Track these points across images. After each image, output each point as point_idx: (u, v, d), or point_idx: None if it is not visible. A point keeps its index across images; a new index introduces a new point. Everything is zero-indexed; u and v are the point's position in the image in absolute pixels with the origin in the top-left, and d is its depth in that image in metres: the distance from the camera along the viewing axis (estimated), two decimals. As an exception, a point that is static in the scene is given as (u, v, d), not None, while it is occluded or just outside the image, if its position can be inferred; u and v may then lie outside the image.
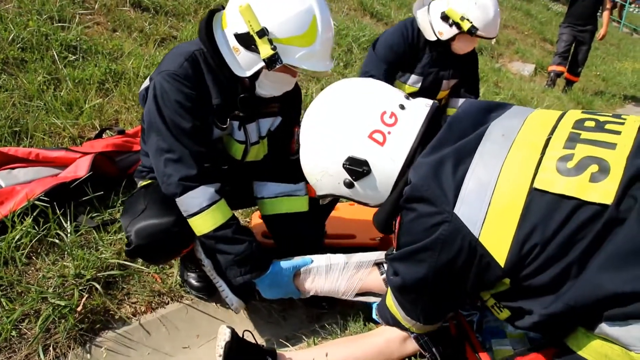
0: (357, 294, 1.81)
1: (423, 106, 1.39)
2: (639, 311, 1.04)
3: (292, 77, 1.75)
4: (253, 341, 1.72)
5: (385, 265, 1.77)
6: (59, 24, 3.38)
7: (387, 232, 1.43)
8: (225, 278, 1.79)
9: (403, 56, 3.01)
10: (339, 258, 1.81)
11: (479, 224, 1.16)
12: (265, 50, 1.55)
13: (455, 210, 1.18)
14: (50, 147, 2.45)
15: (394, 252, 1.39)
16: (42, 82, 2.86)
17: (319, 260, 1.82)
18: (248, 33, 1.56)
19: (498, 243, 1.16)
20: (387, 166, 1.34)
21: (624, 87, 9.28)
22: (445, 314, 1.54)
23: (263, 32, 1.55)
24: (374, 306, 1.77)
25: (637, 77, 10.17)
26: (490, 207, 1.16)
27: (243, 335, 1.68)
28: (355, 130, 1.35)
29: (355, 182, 1.38)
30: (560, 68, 7.35)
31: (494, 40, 3.12)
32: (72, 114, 2.75)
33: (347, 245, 2.33)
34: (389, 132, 1.34)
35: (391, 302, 1.53)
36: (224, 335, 1.58)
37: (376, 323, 1.81)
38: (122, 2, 4.01)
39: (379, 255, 1.82)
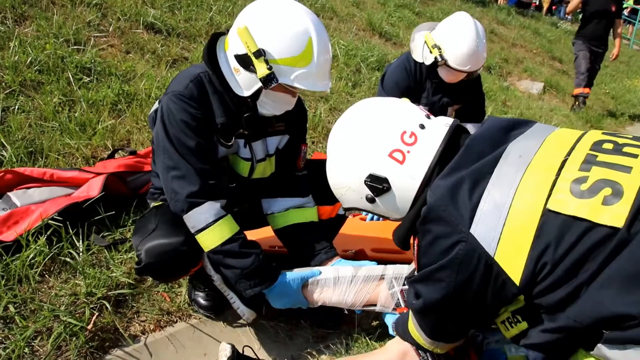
0: (364, 305, 1.83)
1: (442, 126, 1.44)
2: (638, 336, 1.05)
3: (292, 96, 1.82)
4: (254, 356, 1.75)
5: (394, 281, 1.80)
6: (75, 47, 3.47)
7: (406, 248, 1.49)
8: (236, 290, 1.83)
9: (408, 89, 3.06)
10: (347, 270, 1.84)
11: (494, 243, 1.19)
12: (262, 69, 1.62)
13: (471, 231, 1.21)
14: (64, 168, 2.52)
15: (415, 274, 1.42)
16: (58, 104, 2.94)
17: (327, 272, 1.86)
18: (246, 54, 1.63)
19: (513, 262, 1.19)
20: (406, 184, 1.40)
21: (634, 105, 9.25)
22: (468, 330, 1.56)
23: (260, 53, 1.62)
24: (389, 324, 1.79)
25: (647, 95, 10.15)
26: (505, 227, 1.19)
27: (243, 351, 1.72)
28: (376, 149, 1.41)
29: (376, 198, 1.45)
30: (586, 90, 7.20)
31: (479, 71, 3.04)
32: (85, 134, 2.82)
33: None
34: (408, 151, 1.39)
35: (412, 328, 1.55)
36: (225, 351, 1.64)
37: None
38: (136, 24, 4.11)
39: (386, 268, 1.84)
